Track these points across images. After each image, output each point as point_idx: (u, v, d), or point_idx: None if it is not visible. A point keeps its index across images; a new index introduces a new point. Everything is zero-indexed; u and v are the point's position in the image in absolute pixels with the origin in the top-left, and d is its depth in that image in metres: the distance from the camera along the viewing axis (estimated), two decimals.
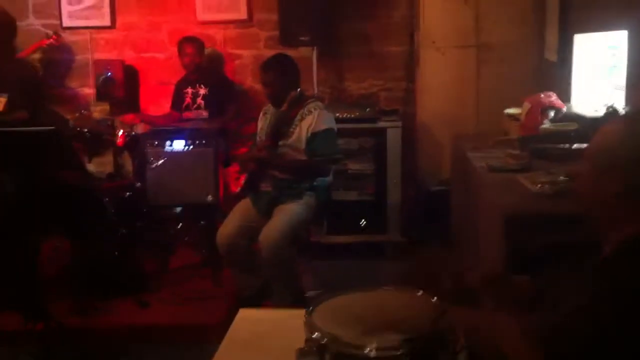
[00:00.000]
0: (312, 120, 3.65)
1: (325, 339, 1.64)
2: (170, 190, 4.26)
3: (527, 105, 3.70)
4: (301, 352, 1.69)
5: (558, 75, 4.25)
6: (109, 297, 3.85)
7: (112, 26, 5.49)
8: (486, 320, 1.58)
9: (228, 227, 3.74)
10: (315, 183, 3.76)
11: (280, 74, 3.72)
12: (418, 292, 1.81)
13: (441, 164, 4.95)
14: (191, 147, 4.30)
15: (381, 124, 4.81)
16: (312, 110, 3.69)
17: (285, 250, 3.58)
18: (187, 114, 5.08)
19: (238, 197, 3.92)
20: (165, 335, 3.61)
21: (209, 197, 4.25)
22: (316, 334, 1.68)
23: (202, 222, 4.54)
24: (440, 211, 4.49)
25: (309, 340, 1.72)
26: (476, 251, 2.92)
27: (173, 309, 3.84)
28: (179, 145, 4.29)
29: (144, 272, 4.13)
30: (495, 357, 1.56)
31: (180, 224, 4.62)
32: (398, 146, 4.78)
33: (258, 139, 3.91)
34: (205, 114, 5.04)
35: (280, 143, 3.71)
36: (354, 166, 4.80)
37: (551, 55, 4.36)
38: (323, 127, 3.67)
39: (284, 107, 3.68)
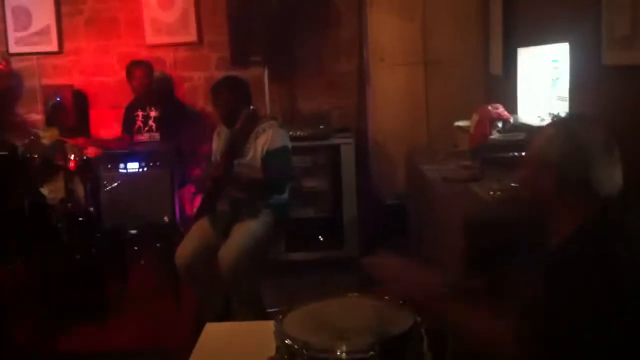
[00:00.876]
0: (267, 138, 3.68)
1: (297, 346, 1.67)
2: (125, 212, 4.23)
3: (475, 117, 3.81)
4: None
5: (503, 88, 4.40)
6: (68, 322, 3.78)
7: (60, 51, 5.45)
8: (482, 323, 1.63)
9: (186, 247, 3.72)
10: (272, 200, 3.78)
11: (231, 94, 3.74)
12: (384, 297, 1.86)
13: (395, 178, 5.04)
14: (146, 168, 4.28)
15: (334, 141, 4.87)
16: (267, 128, 3.72)
17: (245, 268, 3.58)
18: (138, 137, 5.04)
19: (195, 218, 3.91)
20: (128, 358, 3.56)
21: (166, 218, 4.22)
22: (287, 341, 1.71)
23: (158, 245, 4.51)
24: (396, 224, 4.56)
25: (279, 348, 1.75)
26: (437, 258, 2.99)
27: (135, 331, 3.80)
28: (133, 167, 4.26)
29: (102, 295, 4.07)
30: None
31: (137, 247, 4.57)
32: (352, 162, 4.85)
33: (213, 159, 3.92)
34: (157, 136, 5.01)
35: (236, 162, 3.71)
36: (308, 183, 4.85)
37: (496, 69, 4.51)
38: (278, 144, 3.70)
39: (238, 125, 3.70)
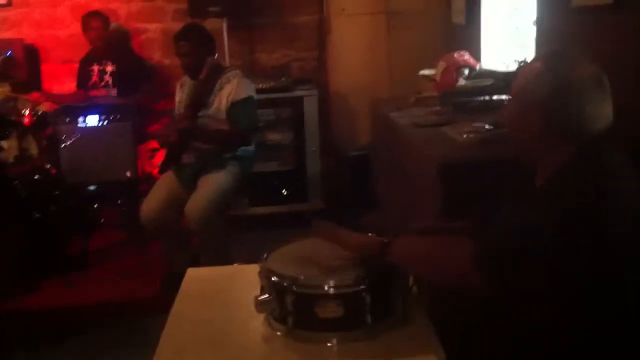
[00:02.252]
0: (232, 89, 3.61)
1: (285, 283, 1.65)
2: (86, 168, 4.11)
3: (442, 64, 3.80)
4: (260, 299, 1.70)
5: (466, 36, 4.39)
6: (29, 281, 3.69)
7: (9, 4, 5.20)
8: (440, 244, 1.63)
9: (152, 202, 3.65)
10: (238, 152, 3.74)
11: (195, 44, 3.63)
12: (368, 234, 1.85)
13: (358, 130, 5.02)
14: (106, 122, 4.16)
15: (297, 93, 4.81)
16: (231, 78, 3.66)
17: (213, 220, 3.55)
18: (94, 92, 4.88)
19: (160, 171, 3.84)
20: (102, 312, 3.51)
21: (128, 173, 4.13)
22: (274, 278, 1.69)
23: (119, 201, 4.43)
24: (361, 176, 4.55)
25: (265, 287, 1.73)
26: (409, 206, 2.99)
27: (101, 286, 3.76)
28: (92, 121, 4.13)
29: (64, 253, 3.98)
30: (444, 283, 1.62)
31: (97, 204, 4.46)
32: (315, 115, 4.81)
33: (176, 111, 3.83)
34: (114, 91, 4.86)
35: (200, 114, 3.64)
36: (272, 137, 4.79)
37: (458, 18, 4.49)
38: (243, 95, 3.64)
39: (202, 76, 3.62)
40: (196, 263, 3.70)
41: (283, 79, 4.93)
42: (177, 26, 4.53)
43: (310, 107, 4.80)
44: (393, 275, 1.68)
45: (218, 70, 3.67)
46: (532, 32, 3.97)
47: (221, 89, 3.62)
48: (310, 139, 4.82)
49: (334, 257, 1.73)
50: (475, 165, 2.37)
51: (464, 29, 4.41)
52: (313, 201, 4.85)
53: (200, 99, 3.63)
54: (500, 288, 1.45)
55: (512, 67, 3.62)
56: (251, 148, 3.84)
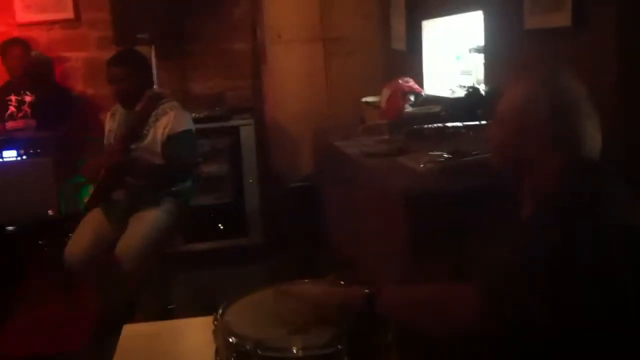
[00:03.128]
0: (169, 121, 3.38)
1: (248, 346, 1.40)
2: (3, 207, 3.75)
3: (386, 91, 3.67)
4: None
5: (407, 63, 4.29)
6: None
7: None
8: (437, 293, 1.44)
9: (77, 242, 3.34)
10: (175, 188, 3.49)
11: (131, 70, 3.39)
12: (337, 281, 1.65)
13: (298, 160, 4.83)
14: (25, 157, 3.82)
15: (233, 123, 4.65)
16: (168, 110, 3.43)
17: (148, 261, 3.28)
18: (11, 124, 4.55)
19: (87, 209, 3.53)
20: None
21: (50, 212, 3.79)
22: (232, 339, 1.45)
23: (40, 242, 4.07)
24: (304, 209, 4.36)
25: (224, 347, 1.48)
26: (367, 241, 2.80)
27: (29, 338, 3.42)
28: (10, 155, 3.79)
29: None
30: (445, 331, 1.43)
31: (21, 244, 4.09)
32: (252, 145, 4.64)
33: (106, 142, 3.55)
34: (33, 123, 4.54)
35: (133, 146, 3.39)
36: (207, 169, 4.53)
37: (399, 44, 4.39)
38: (181, 128, 3.41)
39: (139, 107, 3.38)
40: (131, 310, 3.41)
41: (217, 108, 4.72)
42: (101, 54, 4.34)
43: (247, 137, 4.62)
44: (375, 331, 1.46)
45: (155, 101, 3.44)
46: (475, 58, 3.92)
47: (157, 120, 3.39)
48: (248, 170, 4.63)
49: (302, 312, 1.50)
50: (444, 196, 2.20)
51: (405, 56, 4.30)
52: (253, 235, 4.63)
53: (133, 131, 3.37)
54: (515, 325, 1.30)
55: (459, 93, 3.51)
56: (189, 183, 3.60)
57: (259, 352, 1.38)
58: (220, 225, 4.59)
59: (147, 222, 3.34)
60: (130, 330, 1.85)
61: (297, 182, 4.58)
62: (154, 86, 3.46)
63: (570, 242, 1.30)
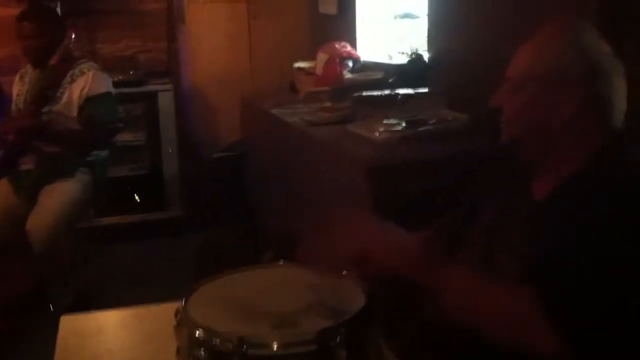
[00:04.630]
0: (86, 83, 3.10)
1: (231, 345, 1.14)
2: None
3: (323, 56, 3.49)
4: None
5: (337, 27, 4.10)
6: None
7: None
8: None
9: None
10: (90, 157, 3.19)
11: (43, 24, 3.08)
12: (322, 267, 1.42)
13: (220, 128, 4.56)
14: None
15: (150, 88, 4.30)
16: (86, 71, 3.13)
17: (61, 239, 2.98)
18: None
19: None
20: None
21: None
22: (198, 332, 1.18)
23: None
24: (228, 180, 4.12)
25: (186, 349, 1.22)
26: (312, 213, 2.61)
27: None
28: None
29: None
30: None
31: None
32: (171, 112, 4.33)
33: (14, 107, 3.20)
34: None
35: (45, 109, 3.06)
36: (123, 137, 4.15)
37: (329, 8, 4.19)
38: (100, 90, 3.14)
39: (53, 61, 3.09)
40: (42, 290, 3.10)
41: (132, 71, 4.36)
42: (7, 12, 3.86)
43: (166, 104, 4.30)
44: (370, 320, 1.26)
45: (69, 60, 3.14)
46: (409, 23, 3.80)
47: (73, 81, 3.09)
48: (167, 139, 4.31)
49: (284, 301, 1.27)
50: (408, 166, 2.06)
51: (336, 19, 4.11)
52: (172, 209, 4.34)
53: (46, 92, 3.05)
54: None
55: (399, 59, 3.37)
56: (105, 152, 3.31)
57: (242, 350, 1.13)
58: (136, 197, 4.27)
59: (59, 195, 3.05)
60: (67, 323, 1.59)
61: (221, 152, 4.33)
62: (70, 41, 3.11)
63: (608, 232, 1.11)
